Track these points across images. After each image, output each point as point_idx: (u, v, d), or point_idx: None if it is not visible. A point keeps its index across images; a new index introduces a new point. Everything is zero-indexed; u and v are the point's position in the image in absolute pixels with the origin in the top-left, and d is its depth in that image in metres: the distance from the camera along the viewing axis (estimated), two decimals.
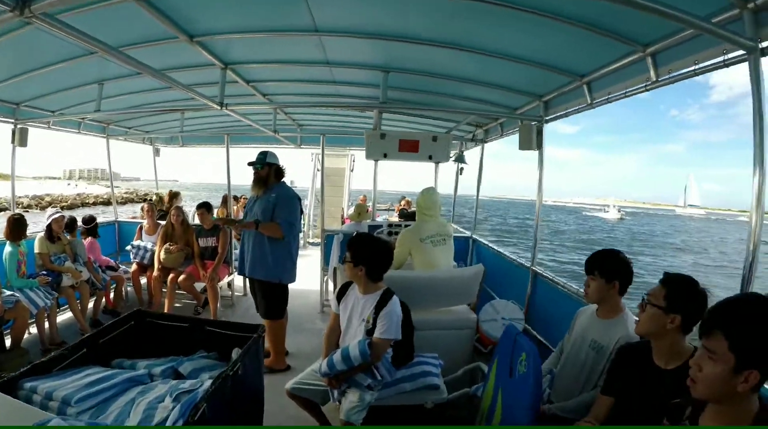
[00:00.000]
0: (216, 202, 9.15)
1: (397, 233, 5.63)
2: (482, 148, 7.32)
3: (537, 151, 4.89)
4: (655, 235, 66.73)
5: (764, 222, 2.34)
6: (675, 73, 3.07)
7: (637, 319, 2.22)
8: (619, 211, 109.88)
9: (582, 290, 2.92)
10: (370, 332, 2.94)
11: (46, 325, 5.07)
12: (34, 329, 5.10)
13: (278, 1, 3.38)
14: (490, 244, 6.83)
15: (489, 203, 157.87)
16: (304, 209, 13.35)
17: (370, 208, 7.83)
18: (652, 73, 3.22)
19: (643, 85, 3.34)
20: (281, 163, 4.77)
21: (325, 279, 6.73)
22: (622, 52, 3.38)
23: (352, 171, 13.36)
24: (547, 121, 4.85)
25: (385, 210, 13.14)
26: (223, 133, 7.21)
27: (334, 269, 5.70)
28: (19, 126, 6.01)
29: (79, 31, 2.79)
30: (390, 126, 7.89)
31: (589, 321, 2.82)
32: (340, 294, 3.28)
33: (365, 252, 3.03)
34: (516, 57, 3.95)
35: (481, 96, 5.40)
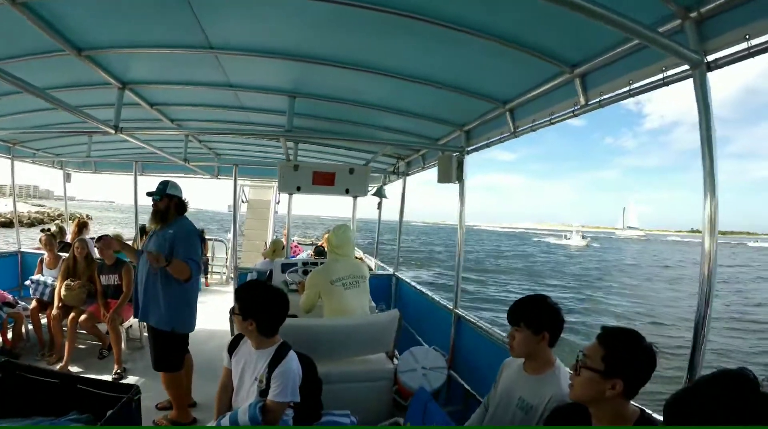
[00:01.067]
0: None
1: None
2: (404, 181, 6.99)
3: (458, 184, 4.60)
4: (624, 261, 62.35)
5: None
6: (607, 96, 2.80)
7: (571, 383, 1.89)
8: (583, 238, 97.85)
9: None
10: (263, 393, 2.60)
11: None
12: None
13: (166, 12, 2.98)
14: (414, 283, 6.43)
15: (430, 231, 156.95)
16: (226, 243, 13.12)
17: (288, 243, 7.47)
18: (581, 96, 2.96)
19: (571, 110, 3.10)
20: (185, 195, 4.28)
21: None
22: (548, 74, 3.13)
23: (278, 202, 12.98)
24: (468, 152, 4.56)
25: (310, 244, 12.80)
26: (132, 161, 6.85)
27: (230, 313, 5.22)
28: None
29: None
30: (306, 157, 7.23)
31: (517, 376, 2.49)
32: (232, 346, 2.92)
33: (255, 303, 2.67)
34: (434, 81, 3.64)
35: (400, 126, 5.11)
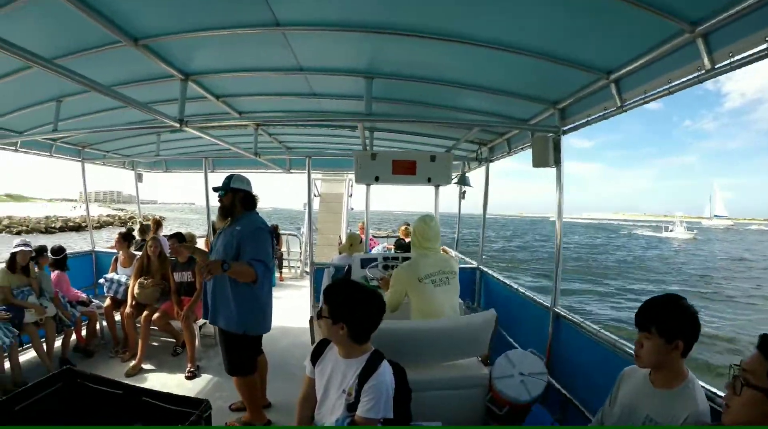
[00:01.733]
0: None
1: (393, 268, 4.87)
2: (487, 168, 6.49)
3: (555, 169, 4.13)
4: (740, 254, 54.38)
5: None
6: (739, 57, 2.28)
7: (726, 404, 1.59)
8: (689, 229, 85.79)
9: (622, 343, 2.32)
10: (351, 407, 2.29)
11: (7, 365, 4.67)
12: None
13: None
14: (502, 278, 5.90)
15: (491, 223, 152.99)
16: (300, 237, 13.01)
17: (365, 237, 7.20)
18: (705, 58, 2.44)
19: (694, 75, 2.57)
20: (258, 191, 4.03)
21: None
22: (662, 35, 2.61)
23: (350, 196, 12.73)
24: (565, 132, 4.05)
25: (385, 237, 12.44)
26: (202, 157, 6.74)
27: (311, 318, 4.86)
28: None
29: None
30: (383, 146, 7.09)
31: (641, 389, 2.13)
32: (316, 354, 2.59)
33: (348, 305, 2.33)
34: (525, 50, 3.14)
35: (486, 107, 4.66)
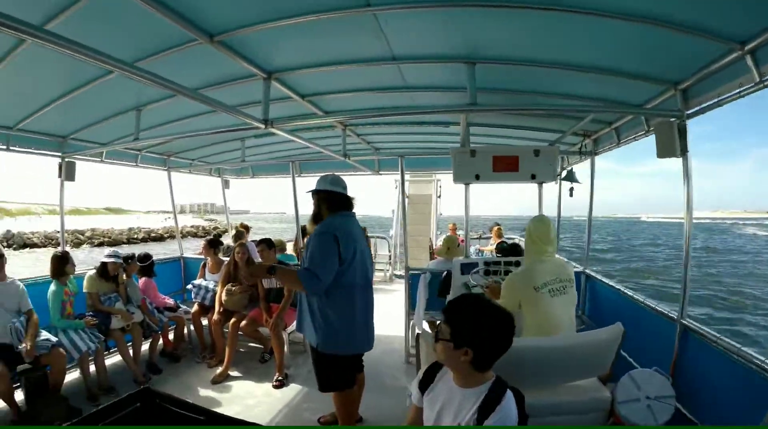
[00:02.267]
0: None
1: (496, 274, 4.51)
2: (592, 162, 5.88)
3: (680, 159, 3.53)
4: None
5: None
6: None
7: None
8: None
9: None
10: None
11: (93, 368, 4.78)
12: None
13: None
14: (613, 284, 5.29)
15: (608, 224, 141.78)
16: (388, 240, 12.77)
17: (462, 240, 6.82)
18: None
19: None
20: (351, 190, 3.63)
21: (411, 324, 5.63)
22: None
23: (439, 197, 12.39)
24: (689, 116, 3.48)
25: (476, 239, 11.97)
26: (289, 161, 6.64)
27: (417, 335, 4.52)
28: (66, 160, 5.73)
29: (78, 44, 2.24)
30: (478, 142, 6.43)
31: None
32: (426, 380, 2.24)
33: (475, 328, 1.96)
34: (641, 17, 2.66)
35: (594, 91, 4.14)
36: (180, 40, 3.16)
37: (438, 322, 2.33)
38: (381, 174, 8.46)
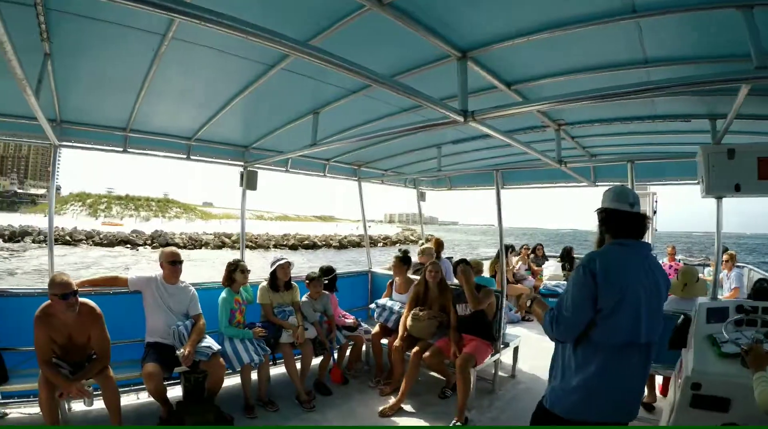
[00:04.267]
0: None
1: (751, 324, 3.17)
2: None
3: None
4: None
5: None
6: None
7: None
8: None
9: None
10: None
11: (255, 376, 4.75)
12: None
13: None
14: None
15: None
16: None
17: (703, 276, 5.29)
18: None
19: None
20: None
21: None
22: None
23: (655, 213, 10.33)
24: None
25: (701, 265, 9.82)
26: (491, 170, 5.94)
27: None
28: (248, 169, 5.88)
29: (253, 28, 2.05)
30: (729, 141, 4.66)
31: None
32: None
33: None
34: None
35: None
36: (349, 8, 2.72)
37: None
38: (597, 185, 6.94)
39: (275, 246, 53.31)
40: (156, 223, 75.58)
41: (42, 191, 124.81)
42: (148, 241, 52.41)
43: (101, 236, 51.98)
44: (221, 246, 51.82)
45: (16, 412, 4.28)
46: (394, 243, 65.18)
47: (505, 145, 5.07)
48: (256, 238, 55.25)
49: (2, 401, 4.24)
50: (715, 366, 2.81)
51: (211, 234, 58.14)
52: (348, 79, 3.47)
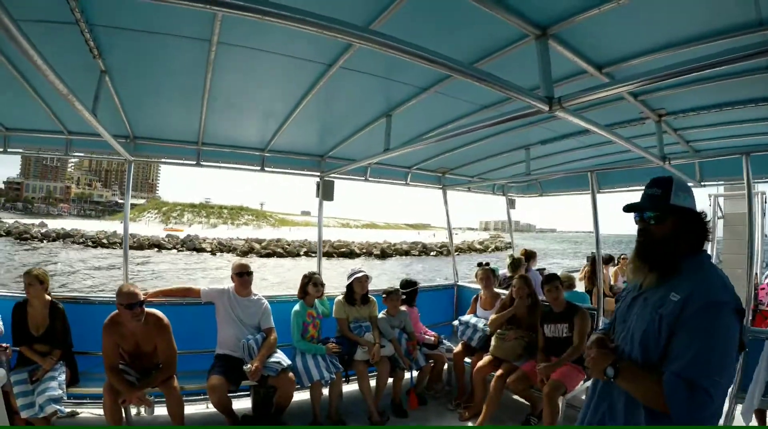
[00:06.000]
0: None
1: None
2: None
3: None
4: None
5: None
6: None
7: None
8: None
9: None
10: None
11: (326, 391, 4.73)
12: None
13: None
14: None
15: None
16: None
17: None
18: None
19: None
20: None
21: (736, 411, 3.98)
22: None
23: (764, 215, 9.18)
24: None
25: None
26: (586, 172, 5.59)
27: None
28: (324, 178, 5.87)
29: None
30: None
31: None
32: None
33: None
34: None
35: None
36: None
37: None
38: (704, 185, 6.25)
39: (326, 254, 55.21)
40: (222, 230, 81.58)
41: (142, 202, 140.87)
42: (178, 245, 56.81)
43: (134, 240, 55.72)
44: (248, 252, 53.32)
45: (87, 412, 4.57)
46: (476, 251, 64.93)
47: (598, 142, 4.81)
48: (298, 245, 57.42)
49: (75, 401, 4.53)
50: None
51: (242, 240, 61.32)
52: (416, 74, 3.40)
